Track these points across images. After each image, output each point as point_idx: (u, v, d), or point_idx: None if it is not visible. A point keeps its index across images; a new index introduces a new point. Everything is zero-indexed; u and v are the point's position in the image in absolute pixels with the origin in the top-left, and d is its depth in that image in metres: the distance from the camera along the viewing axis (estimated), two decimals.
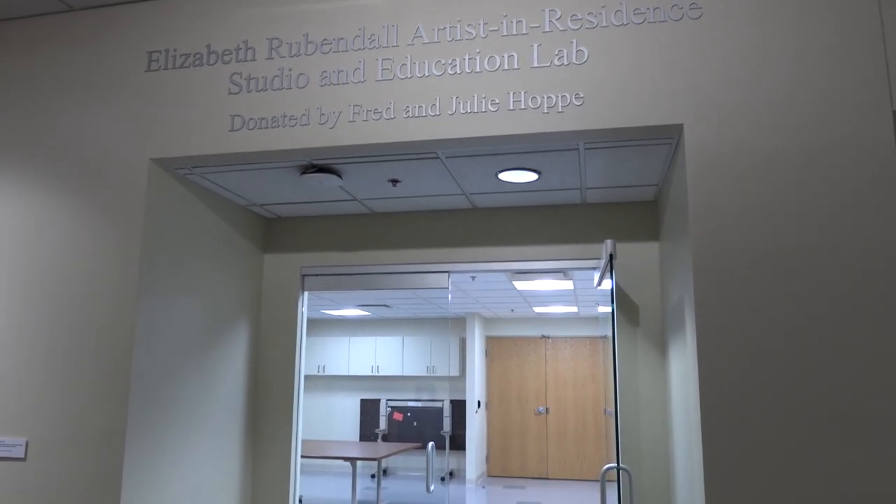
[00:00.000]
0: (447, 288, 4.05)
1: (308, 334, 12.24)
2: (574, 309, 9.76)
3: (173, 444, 3.27)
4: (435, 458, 11.15)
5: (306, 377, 11.98)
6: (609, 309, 3.66)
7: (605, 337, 10.44)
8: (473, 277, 6.80)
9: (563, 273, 6.52)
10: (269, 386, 4.24)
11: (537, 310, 9.91)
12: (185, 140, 3.08)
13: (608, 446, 10.10)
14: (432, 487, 3.96)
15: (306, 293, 4.36)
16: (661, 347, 3.79)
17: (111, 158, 3.14)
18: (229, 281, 3.84)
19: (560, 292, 7.91)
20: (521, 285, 7.18)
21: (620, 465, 3.04)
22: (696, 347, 2.52)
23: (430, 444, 3.93)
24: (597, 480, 10.59)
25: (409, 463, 11.28)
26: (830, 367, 2.40)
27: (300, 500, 8.64)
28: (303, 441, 8.66)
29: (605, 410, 10.65)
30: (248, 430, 4.13)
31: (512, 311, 10.09)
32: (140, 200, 3.07)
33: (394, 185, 3.44)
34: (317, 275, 4.29)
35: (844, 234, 2.46)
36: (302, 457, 7.26)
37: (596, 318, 10.94)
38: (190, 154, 3.06)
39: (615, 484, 3.49)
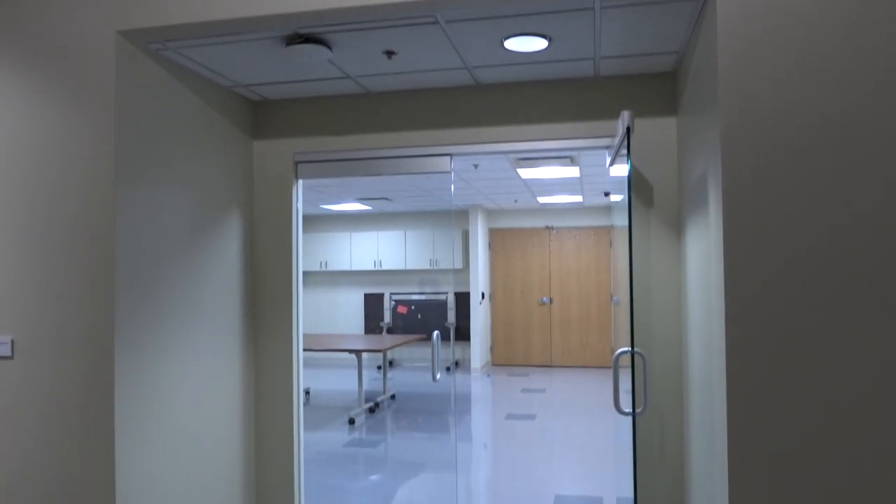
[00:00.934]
0: (449, 172, 3.81)
1: (309, 230, 12.13)
2: (579, 198, 9.54)
3: (167, 341, 3.15)
4: (440, 349, 11.32)
5: (309, 273, 11.95)
6: (620, 196, 3.44)
7: (612, 226, 10.27)
8: (476, 166, 6.54)
9: (569, 159, 6.25)
10: (266, 279, 4.09)
11: (541, 200, 9.70)
12: (154, 8, 2.76)
13: (617, 333, 10.17)
14: (438, 376, 3.89)
15: (300, 181, 4.14)
16: (677, 229, 3.60)
17: (74, 32, 2.83)
18: (216, 170, 3.61)
19: (565, 180, 7.67)
20: (525, 173, 6.93)
21: (634, 349, 2.92)
22: (721, 226, 2.32)
23: (436, 332, 3.82)
24: (600, 367, 10.77)
25: (415, 354, 11.44)
26: (871, 245, 2.20)
27: (307, 393, 8.77)
28: (308, 336, 8.70)
29: (611, 298, 10.67)
30: (247, 326, 4.02)
31: (515, 201, 9.88)
32: (109, 80, 2.78)
33: (389, 58, 3.13)
34: (310, 161, 4.04)
35: (893, 102, 2.20)
36: (307, 350, 7.34)
37: (601, 208, 10.75)
38: (159, 24, 2.74)
39: (627, 369, 3.39)
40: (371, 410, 7.57)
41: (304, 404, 8.11)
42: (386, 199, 9.46)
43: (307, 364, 11.55)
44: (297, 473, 4.09)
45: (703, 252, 2.78)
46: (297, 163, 4.06)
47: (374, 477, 5.14)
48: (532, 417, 7.18)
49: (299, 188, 4.14)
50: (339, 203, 10.00)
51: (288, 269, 4.06)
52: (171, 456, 3.18)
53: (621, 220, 4.08)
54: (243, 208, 3.93)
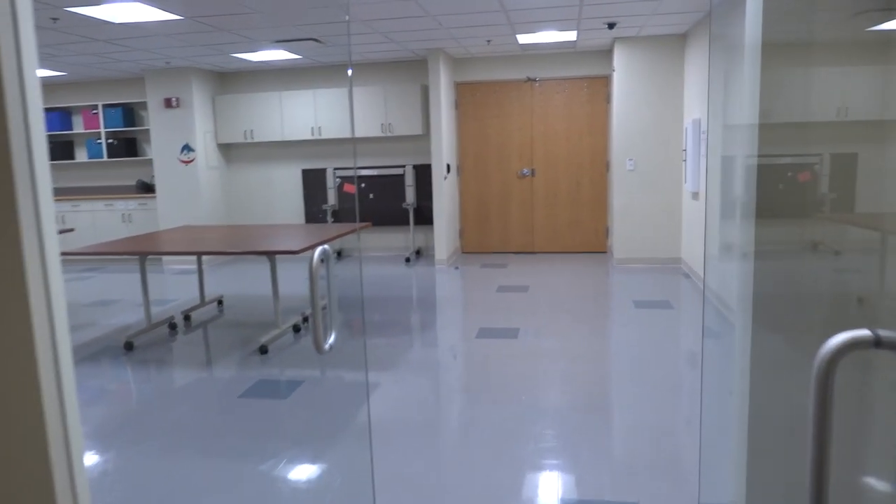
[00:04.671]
0: None
1: (226, 91, 9.65)
2: (572, 36, 7.20)
3: None
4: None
5: (231, 146, 9.61)
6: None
7: (612, 73, 7.90)
8: None
9: None
10: None
11: (522, 39, 7.33)
12: None
13: (611, 213, 7.93)
14: (330, 343, 1.81)
15: None
16: None
17: None
18: None
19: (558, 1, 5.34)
20: None
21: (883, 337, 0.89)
22: None
23: (319, 250, 1.75)
24: (593, 252, 8.87)
25: (372, 241, 9.43)
26: None
27: (219, 303, 6.75)
28: (232, 227, 6.60)
29: (607, 168, 8.57)
30: None
31: (488, 42, 7.50)
32: None
33: None
34: None
35: None
36: (203, 254, 5.23)
37: (598, 53, 8.40)
38: None
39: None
40: (297, 329, 5.61)
41: (216, 317, 6.14)
42: (315, 40, 7.03)
43: (229, 263, 9.48)
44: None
45: None
46: None
47: (262, 466, 3.23)
48: (513, 333, 5.29)
49: None
50: (255, 50, 7.54)
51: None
52: None
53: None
54: None
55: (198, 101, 8.88)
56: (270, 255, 5.06)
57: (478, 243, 9.18)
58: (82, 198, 9.57)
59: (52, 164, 10.19)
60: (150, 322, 5.68)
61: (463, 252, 9.24)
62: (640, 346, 4.84)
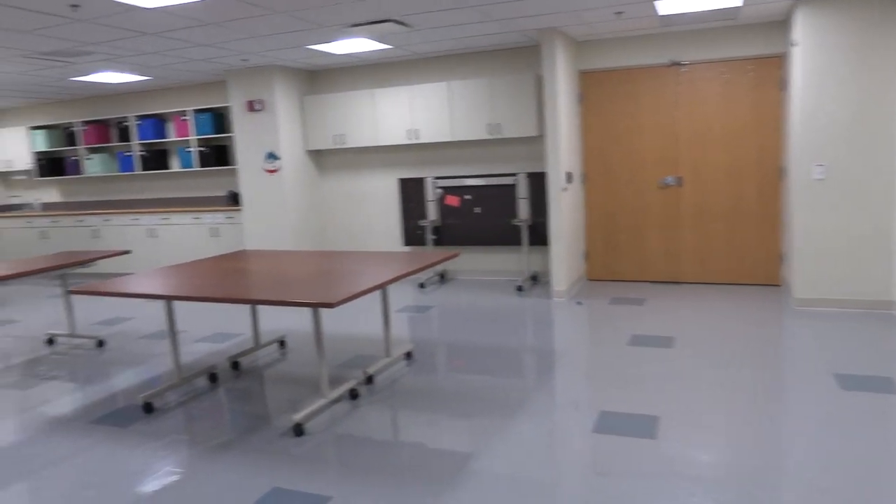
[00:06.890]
0: None
1: (316, 91, 8.57)
2: (735, 0, 5.34)
3: None
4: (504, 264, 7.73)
5: (319, 153, 8.54)
6: None
7: (791, 46, 5.73)
8: None
9: None
10: None
11: (663, 9, 5.57)
12: None
13: (789, 236, 5.51)
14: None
15: None
16: None
17: None
18: None
19: None
20: None
21: None
22: None
23: None
24: (763, 284, 6.87)
25: (477, 262, 7.97)
26: None
27: (282, 343, 5.53)
28: (296, 253, 5.27)
29: (781, 173, 6.53)
30: None
31: (618, 14, 5.81)
32: None
33: None
34: None
35: None
36: (188, 300, 3.77)
37: (769, 24, 6.43)
38: None
39: None
40: (354, 395, 4.24)
41: (272, 363, 4.94)
42: (398, 22, 5.68)
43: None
44: None
45: None
46: None
47: None
48: (649, 428, 3.61)
49: None
50: (329, 40, 6.33)
51: None
52: None
53: None
54: None
55: (282, 103, 7.85)
56: (313, 306, 3.71)
57: (607, 269, 7.45)
58: (173, 210, 8.89)
59: (147, 175, 9.65)
60: (180, 375, 4.56)
61: (589, 279, 7.54)
62: (863, 480, 3.01)
